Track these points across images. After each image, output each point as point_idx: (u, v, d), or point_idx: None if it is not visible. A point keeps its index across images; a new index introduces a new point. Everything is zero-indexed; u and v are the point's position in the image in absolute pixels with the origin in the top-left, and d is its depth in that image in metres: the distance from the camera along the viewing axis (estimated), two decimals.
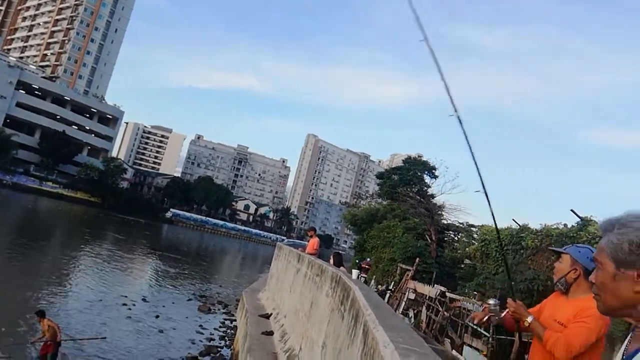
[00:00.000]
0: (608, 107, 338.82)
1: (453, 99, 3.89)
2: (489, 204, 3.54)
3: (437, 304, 16.08)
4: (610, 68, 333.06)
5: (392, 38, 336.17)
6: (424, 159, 39.10)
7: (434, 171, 35.72)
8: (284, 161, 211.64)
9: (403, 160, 39.42)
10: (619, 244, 1.35)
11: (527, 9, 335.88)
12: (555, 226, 15.99)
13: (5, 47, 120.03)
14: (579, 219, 14.40)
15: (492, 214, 3.60)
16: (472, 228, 25.92)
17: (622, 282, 1.35)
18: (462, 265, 22.92)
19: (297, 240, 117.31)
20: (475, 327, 13.65)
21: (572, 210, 14.24)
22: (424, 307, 16.81)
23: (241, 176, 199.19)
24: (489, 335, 12.74)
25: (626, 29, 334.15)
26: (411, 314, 17.46)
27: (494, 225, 3.96)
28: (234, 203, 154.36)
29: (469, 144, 3.65)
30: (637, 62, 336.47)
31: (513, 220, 17.94)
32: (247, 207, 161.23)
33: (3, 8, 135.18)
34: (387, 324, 2.94)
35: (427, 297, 17.06)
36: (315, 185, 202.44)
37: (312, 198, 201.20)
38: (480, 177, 3.56)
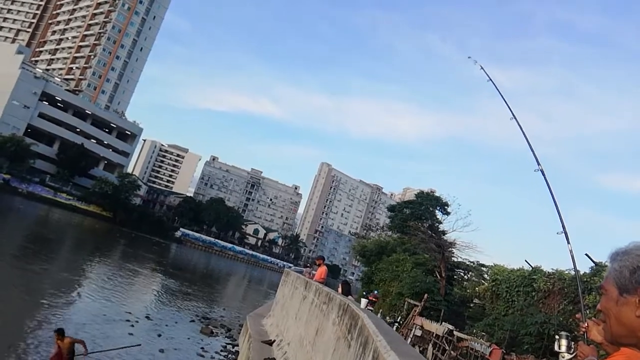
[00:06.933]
0: (621, 152, 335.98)
1: (537, 154, 4.41)
2: (569, 244, 3.71)
3: (444, 342, 15.73)
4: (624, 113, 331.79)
5: (409, 72, 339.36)
6: (436, 194, 38.86)
7: (446, 207, 35.40)
8: (296, 188, 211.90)
9: (415, 195, 39.17)
10: (620, 270, 1.43)
11: (541, 51, 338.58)
12: (567, 271, 15.68)
13: (33, 59, 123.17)
14: (593, 264, 14.11)
15: (572, 257, 3.76)
16: (482, 267, 25.53)
17: (624, 307, 1.41)
18: (471, 305, 22.50)
19: (303, 268, 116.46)
20: None
21: (586, 255, 13.95)
22: (431, 345, 16.45)
23: (253, 200, 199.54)
24: None
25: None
26: (416, 350, 17.08)
27: (572, 267, 4.08)
28: (243, 226, 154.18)
29: (552, 194, 4.04)
30: None
31: (526, 261, 17.65)
32: (256, 231, 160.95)
33: (35, 21, 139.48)
34: (399, 350, 2.85)
35: (434, 335, 16.71)
36: (326, 214, 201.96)
37: (322, 227, 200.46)
38: (562, 220, 3.80)
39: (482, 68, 6.54)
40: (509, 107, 5.25)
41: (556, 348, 3.36)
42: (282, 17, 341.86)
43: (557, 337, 3.33)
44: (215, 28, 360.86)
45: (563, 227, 3.75)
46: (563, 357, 3.25)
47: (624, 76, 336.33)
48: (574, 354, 3.08)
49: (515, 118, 5.08)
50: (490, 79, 6.13)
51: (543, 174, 4.28)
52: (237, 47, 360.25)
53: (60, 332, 11.32)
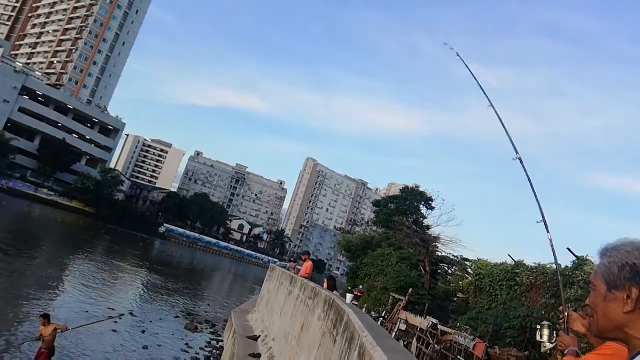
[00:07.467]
0: (606, 151, 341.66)
1: (515, 143, 4.44)
2: (548, 233, 3.69)
3: (429, 336, 15.85)
4: (607, 113, 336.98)
5: (395, 70, 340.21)
6: (421, 189, 39.10)
7: (430, 202, 35.65)
8: (281, 183, 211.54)
9: (400, 190, 39.36)
10: (609, 267, 1.44)
11: (528, 50, 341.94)
12: (550, 265, 15.86)
13: (13, 52, 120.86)
14: (575, 258, 14.31)
15: (552, 246, 3.75)
16: (466, 262, 25.75)
17: (612, 304, 1.43)
18: (455, 299, 22.68)
19: (288, 263, 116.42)
20: None
21: (568, 249, 14.14)
22: (415, 339, 16.55)
23: (238, 195, 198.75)
24: None
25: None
26: (401, 345, 17.18)
27: (553, 257, 4.05)
28: (228, 222, 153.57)
29: (531, 182, 4.06)
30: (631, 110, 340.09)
31: (509, 255, 17.83)
32: (241, 226, 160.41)
33: (14, 14, 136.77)
34: (386, 345, 2.86)
35: (418, 329, 16.82)
36: (311, 209, 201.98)
37: (307, 222, 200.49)
38: (541, 209, 3.79)
39: (458, 55, 6.57)
40: (485, 94, 5.28)
41: (538, 338, 3.37)
42: (268, 13, 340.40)
43: (539, 326, 3.34)
44: (200, 23, 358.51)
45: (542, 215, 3.75)
46: (545, 347, 3.26)
47: (610, 77, 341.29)
48: (555, 344, 3.10)
49: (492, 106, 5.12)
50: (467, 66, 6.17)
51: (521, 162, 4.35)
52: (222, 43, 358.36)
53: (46, 317, 11.36)
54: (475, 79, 5.74)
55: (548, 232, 3.72)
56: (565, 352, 2.74)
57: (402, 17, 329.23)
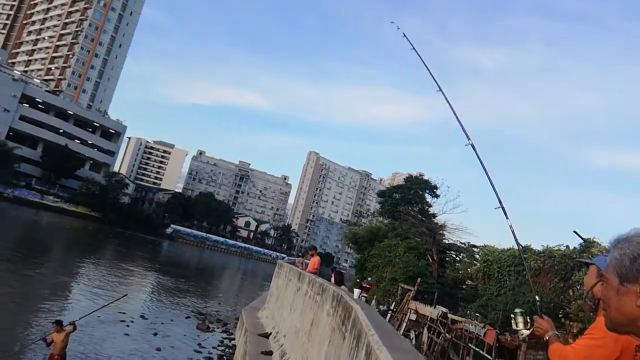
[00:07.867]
0: (605, 128, 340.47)
1: (465, 129, 4.37)
2: (508, 219, 3.66)
3: (439, 325, 15.88)
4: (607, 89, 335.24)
5: (392, 57, 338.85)
6: (425, 177, 39.01)
7: (435, 190, 35.57)
8: (285, 178, 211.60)
9: (404, 179, 39.30)
10: (621, 259, 1.38)
11: (521, 29, 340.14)
12: (557, 248, 15.84)
13: (10, 61, 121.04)
14: (582, 241, 14.29)
15: (513, 232, 3.72)
16: (473, 248, 25.71)
17: (624, 297, 1.38)
18: (464, 286, 22.69)
19: (295, 258, 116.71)
20: (476, 349, 13.46)
21: (575, 232, 14.13)
22: (425, 329, 16.59)
23: (242, 193, 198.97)
24: (491, 358, 12.55)
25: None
26: (412, 335, 17.22)
27: (514, 241, 4.04)
28: (234, 220, 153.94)
29: (484, 167, 4.00)
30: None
31: (515, 241, 17.79)
32: (247, 224, 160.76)
33: (9, 22, 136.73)
34: (392, 345, 2.87)
35: (428, 318, 16.85)
36: (317, 203, 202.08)
37: (313, 216, 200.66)
38: (497, 195, 3.74)
39: (404, 35, 6.46)
40: (434, 78, 5.22)
41: (513, 326, 3.34)
42: (266, 8, 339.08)
43: (512, 315, 3.31)
44: (196, 20, 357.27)
45: (499, 201, 3.71)
46: (522, 334, 3.24)
47: (607, 52, 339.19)
48: (532, 329, 3.07)
49: (441, 90, 5.05)
50: (414, 48, 6.07)
51: (474, 148, 4.34)
52: (219, 40, 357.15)
53: (59, 324, 11.46)
54: (423, 61, 5.67)
55: (507, 217, 3.69)
56: (546, 338, 2.70)
57: (395, 3, 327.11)
